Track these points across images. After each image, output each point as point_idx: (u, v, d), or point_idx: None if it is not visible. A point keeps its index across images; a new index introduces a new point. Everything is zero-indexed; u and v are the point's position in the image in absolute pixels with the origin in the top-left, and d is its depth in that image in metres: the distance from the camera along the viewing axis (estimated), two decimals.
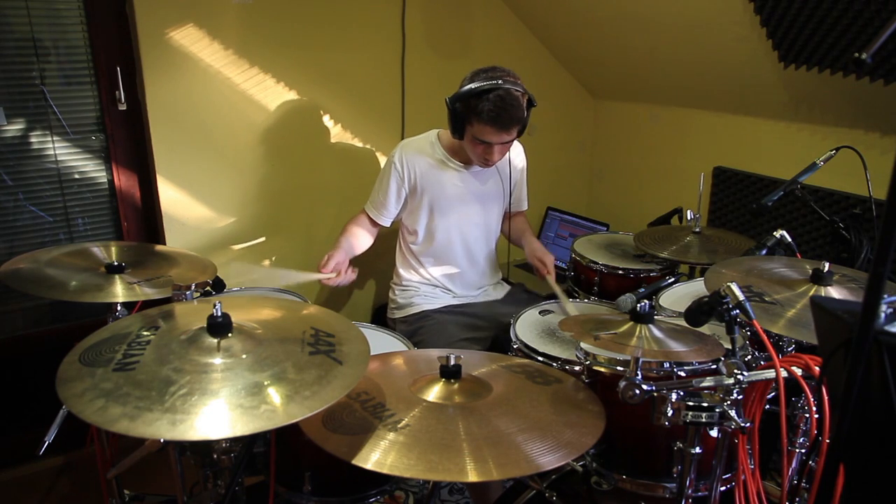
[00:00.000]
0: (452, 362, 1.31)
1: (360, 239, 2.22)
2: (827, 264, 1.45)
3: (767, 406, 1.28)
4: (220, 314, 1.18)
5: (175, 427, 0.97)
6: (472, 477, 1.04)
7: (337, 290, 2.83)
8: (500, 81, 1.90)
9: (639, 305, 1.45)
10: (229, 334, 1.18)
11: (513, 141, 2.02)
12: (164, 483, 1.98)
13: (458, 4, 2.82)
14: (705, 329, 1.44)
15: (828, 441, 0.96)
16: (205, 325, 1.18)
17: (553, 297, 2.04)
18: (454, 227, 2.20)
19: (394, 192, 2.16)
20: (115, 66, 2.28)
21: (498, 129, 1.92)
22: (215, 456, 1.35)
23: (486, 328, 2.13)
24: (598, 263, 2.22)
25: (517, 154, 2.32)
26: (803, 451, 1.45)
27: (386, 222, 2.23)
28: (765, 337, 1.17)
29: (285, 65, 2.50)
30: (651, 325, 1.42)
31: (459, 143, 2.11)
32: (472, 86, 1.91)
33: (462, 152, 2.15)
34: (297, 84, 2.54)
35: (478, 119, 1.91)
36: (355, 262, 2.19)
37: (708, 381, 1.18)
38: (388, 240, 2.36)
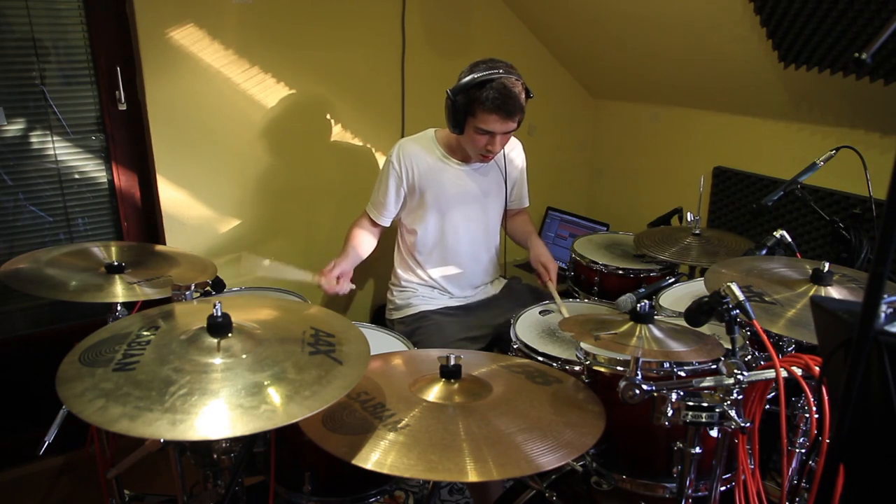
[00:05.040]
0: (452, 362, 1.31)
1: (365, 244, 2.22)
2: (827, 264, 1.45)
3: (767, 406, 1.28)
4: (220, 314, 1.18)
5: (175, 427, 0.97)
6: (472, 477, 1.04)
7: None
8: (500, 71, 1.92)
9: (639, 305, 1.45)
10: (229, 334, 1.18)
11: (513, 131, 2.02)
12: (164, 483, 1.98)
13: (458, 4, 2.82)
14: (705, 329, 1.44)
15: (828, 441, 0.96)
16: (205, 325, 1.18)
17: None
18: (454, 225, 2.20)
19: (392, 192, 2.17)
20: (115, 66, 2.28)
21: (503, 116, 1.93)
22: (215, 456, 1.35)
23: (485, 327, 2.13)
24: (598, 263, 2.22)
25: (517, 153, 2.32)
26: (803, 451, 1.45)
27: (386, 222, 2.23)
28: (765, 337, 1.17)
29: (285, 64, 2.50)
30: (651, 325, 1.42)
31: (457, 140, 2.11)
32: (474, 76, 1.92)
33: (460, 150, 2.15)
34: (297, 84, 2.54)
35: (482, 108, 1.92)
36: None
37: (708, 381, 1.18)
38: (387, 240, 2.36)
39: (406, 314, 2.22)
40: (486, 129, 1.96)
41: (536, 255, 2.23)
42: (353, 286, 2.11)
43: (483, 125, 1.95)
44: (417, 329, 2.13)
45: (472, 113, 1.95)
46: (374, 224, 2.24)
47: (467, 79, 1.93)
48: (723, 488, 1.36)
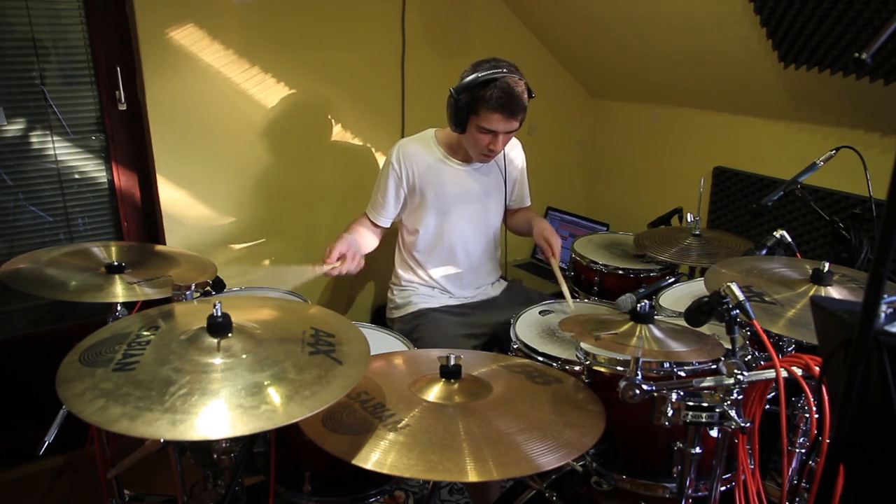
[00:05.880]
0: (452, 362, 1.31)
1: (365, 238, 2.21)
2: (827, 264, 1.45)
3: (767, 406, 1.28)
4: (220, 314, 1.18)
5: (175, 427, 0.96)
6: (472, 477, 1.03)
7: (337, 290, 2.84)
8: (504, 70, 1.93)
9: (639, 305, 1.45)
10: (229, 334, 1.18)
11: (516, 131, 2.02)
12: (164, 483, 1.98)
13: (458, 4, 2.82)
14: (705, 329, 1.44)
15: (828, 441, 0.96)
16: (205, 325, 1.18)
17: (553, 297, 2.04)
18: (455, 225, 2.20)
19: (392, 193, 2.16)
20: (115, 66, 2.28)
21: (506, 116, 1.93)
22: (215, 456, 1.35)
23: (485, 326, 2.13)
24: (598, 263, 2.22)
25: (517, 153, 2.32)
26: (803, 451, 1.45)
27: (386, 223, 2.23)
28: (765, 337, 1.17)
29: (285, 65, 2.50)
30: (651, 325, 1.42)
31: (458, 140, 2.11)
32: (478, 74, 1.92)
33: (461, 150, 2.15)
34: (298, 84, 2.54)
35: (486, 107, 1.92)
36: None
37: (708, 381, 1.18)
38: (387, 240, 2.36)
39: (406, 312, 2.21)
40: (488, 129, 1.96)
41: (540, 230, 2.18)
42: (363, 262, 2.05)
43: (486, 124, 1.95)
44: (417, 326, 2.13)
45: (475, 112, 1.95)
46: (375, 225, 2.23)
47: (470, 77, 1.94)
48: (723, 488, 1.36)
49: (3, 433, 2.34)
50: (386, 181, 2.16)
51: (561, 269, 2.08)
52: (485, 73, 1.92)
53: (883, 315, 0.72)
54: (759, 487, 1.26)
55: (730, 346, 1.21)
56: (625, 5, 2.48)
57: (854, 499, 0.81)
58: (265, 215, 2.61)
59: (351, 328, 1.31)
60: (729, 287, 1.22)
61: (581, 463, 1.47)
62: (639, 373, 1.17)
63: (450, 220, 2.19)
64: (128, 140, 2.38)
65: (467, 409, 1.22)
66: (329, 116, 2.67)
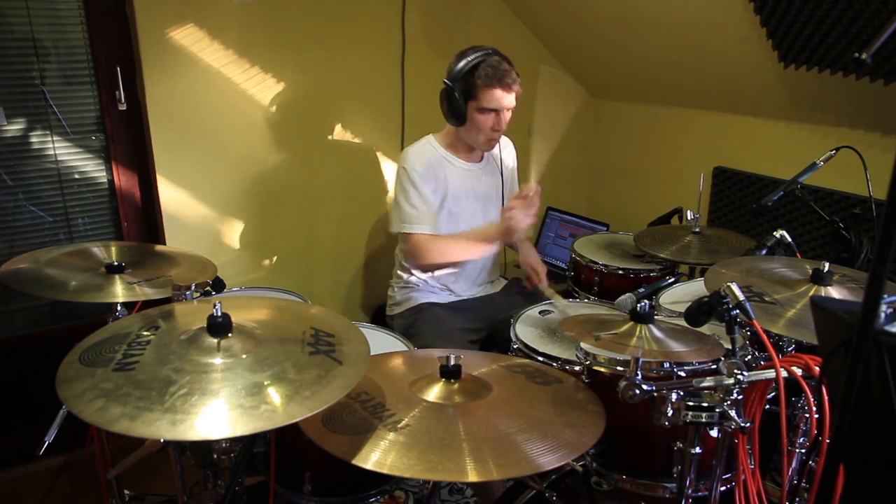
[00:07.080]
0: (452, 362, 1.31)
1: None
2: (827, 264, 1.45)
3: (767, 406, 1.28)
4: (220, 314, 1.18)
5: (175, 427, 0.96)
6: (472, 477, 1.04)
7: (337, 290, 2.84)
8: (489, 51, 1.99)
9: (639, 305, 1.45)
10: (229, 334, 1.18)
11: (514, 107, 2.04)
12: (164, 483, 1.98)
13: (458, 4, 2.83)
14: (705, 329, 1.44)
15: (828, 441, 0.96)
16: (205, 325, 1.18)
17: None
18: (458, 224, 2.19)
19: (430, 195, 2.09)
20: (115, 66, 2.28)
21: (504, 88, 1.97)
22: (215, 456, 1.35)
23: (483, 322, 2.13)
24: (598, 263, 2.22)
25: (508, 153, 2.33)
26: (803, 451, 1.45)
27: (436, 230, 2.14)
28: (765, 337, 1.17)
29: (285, 65, 2.50)
30: (651, 325, 1.42)
31: (457, 139, 2.12)
32: (467, 59, 1.97)
33: (462, 149, 2.15)
34: (297, 84, 2.54)
35: (483, 85, 1.96)
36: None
37: (708, 381, 1.18)
38: (388, 240, 2.36)
39: (405, 308, 2.22)
40: (490, 107, 1.99)
41: (525, 258, 2.24)
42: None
43: (486, 103, 1.98)
44: (416, 321, 2.13)
45: (474, 95, 1.98)
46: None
47: (461, 64, 1.97)
48: (723, 488, 1.36)
49: (3, 433, 2.34)
50: (420, 187, 2.06)
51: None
52: (472, 57, 1.96)
53: (883, 315, 0.73)
54: (759, 487, 1.26)
55: (730, 346, 1.21)
56: (625, 5, 2.48)
57: (854, 499, 0.81)
58: (265, 215, 2.61)
59: (351, 328, 1.31)
60: (729, 287, 1.22)
61: (581, 463, 1.47)
62: (639, 373, 1.17)
63: (455, 218, 2.18)
64: (128, 140, 2.38)
65: (467, 409, 1.22)
66: (329, 117, 2.67)
